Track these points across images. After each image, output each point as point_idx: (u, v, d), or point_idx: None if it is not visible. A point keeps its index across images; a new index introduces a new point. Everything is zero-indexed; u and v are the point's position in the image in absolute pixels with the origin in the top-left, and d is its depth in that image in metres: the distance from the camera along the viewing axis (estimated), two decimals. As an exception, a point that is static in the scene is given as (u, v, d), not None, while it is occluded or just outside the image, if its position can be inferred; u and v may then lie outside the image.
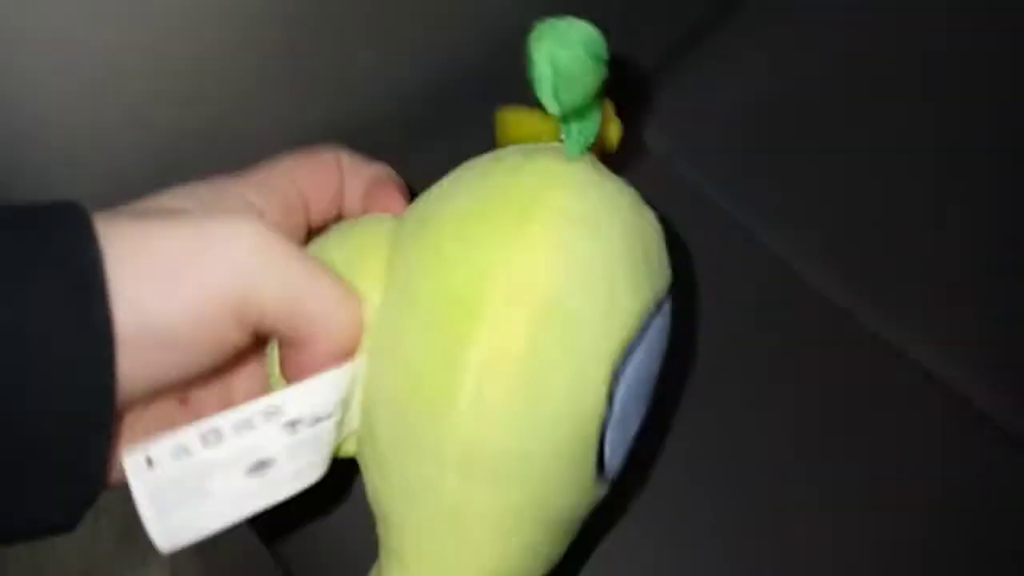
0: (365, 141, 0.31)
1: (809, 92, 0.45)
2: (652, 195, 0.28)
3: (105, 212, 0.22)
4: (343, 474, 0.29)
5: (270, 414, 0.23)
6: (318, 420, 0.24)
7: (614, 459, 0.25)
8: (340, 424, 0.25)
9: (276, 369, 0.25)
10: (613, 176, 0.26)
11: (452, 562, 0.23)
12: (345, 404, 0.25)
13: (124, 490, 0.24)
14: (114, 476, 0.23)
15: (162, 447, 0.22)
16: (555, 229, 0.22)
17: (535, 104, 0.23)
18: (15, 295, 0.19)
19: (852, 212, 0.43)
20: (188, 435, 0.23)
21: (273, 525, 0.38)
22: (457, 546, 0.23)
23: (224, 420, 0.23)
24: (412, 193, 0.28)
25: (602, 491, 0.26)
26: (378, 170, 0.30)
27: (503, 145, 0.27)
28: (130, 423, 0.25)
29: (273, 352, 0.26)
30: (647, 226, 0.25)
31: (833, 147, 0.44)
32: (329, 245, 0.26)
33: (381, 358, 0.24)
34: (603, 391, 0.23)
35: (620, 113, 0.29)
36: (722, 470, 0.36)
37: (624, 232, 0.24)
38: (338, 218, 0.30)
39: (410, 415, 0.23)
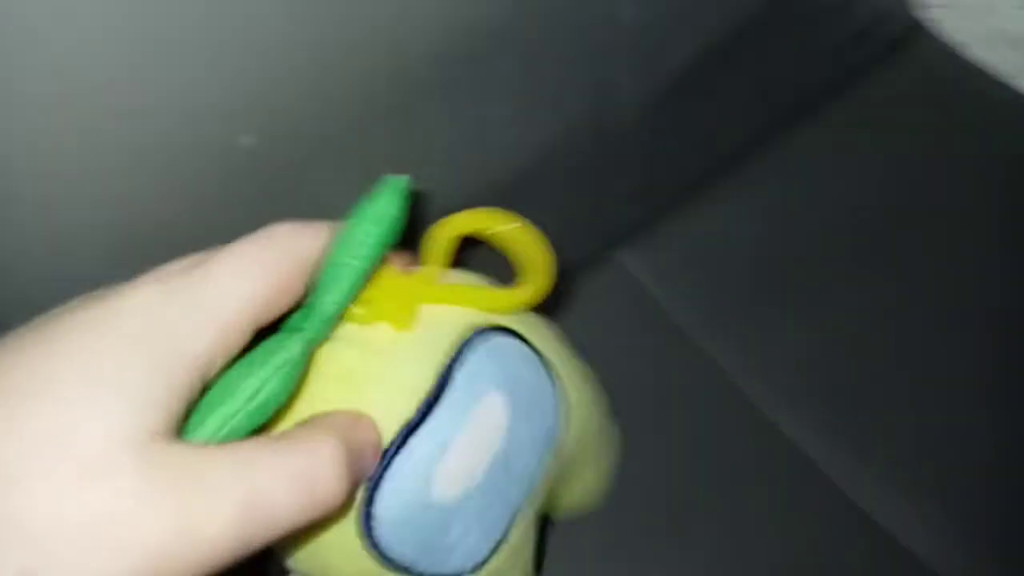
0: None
1: (802, 247, 0.47)
2: (629, 322, 0.29)
3: None
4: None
5: None
6: None
7: (405, 549, 0.25)
8: None
9: None
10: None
11: None
12: None
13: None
14: None
15: None
16: None
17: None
18: None
19: (832, 366, 0.44)
20: None
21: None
22: None
23: None
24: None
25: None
26: None
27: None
28: None
29: None
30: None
31: (820, 301, 0.45)
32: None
33: None
34: None
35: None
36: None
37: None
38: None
39: None
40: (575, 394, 0.30)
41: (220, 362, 0.20)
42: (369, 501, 0.24)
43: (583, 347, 0.32)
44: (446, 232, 0.26)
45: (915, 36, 0.54)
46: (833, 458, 0.41)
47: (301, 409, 0.24)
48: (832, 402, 0.42)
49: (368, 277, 0.24)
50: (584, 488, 0.35)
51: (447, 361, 0.25)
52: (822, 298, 0.45)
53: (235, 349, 0.21)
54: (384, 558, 0.24)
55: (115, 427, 0.17)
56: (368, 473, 0.23)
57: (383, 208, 0.23)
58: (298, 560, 0.26)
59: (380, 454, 0.23)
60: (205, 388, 0.21)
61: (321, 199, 0.29)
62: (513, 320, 0.27)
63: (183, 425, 0.20)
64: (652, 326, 0.44)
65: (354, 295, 0.24)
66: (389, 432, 0.24)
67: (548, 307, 0.28)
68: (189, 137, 0.26)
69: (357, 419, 0.23)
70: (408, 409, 0.24)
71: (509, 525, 0.27)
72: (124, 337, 0.18)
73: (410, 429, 0.24)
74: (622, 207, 0.46)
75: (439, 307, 0.26)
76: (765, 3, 0.42)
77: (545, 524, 0.29)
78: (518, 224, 0.26)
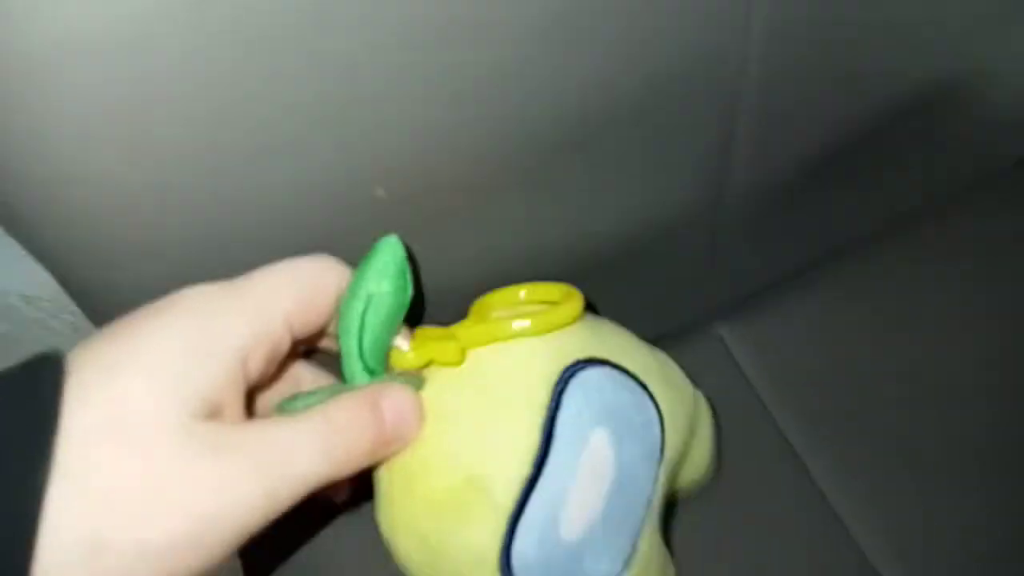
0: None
1: (911, 361, 0.46)
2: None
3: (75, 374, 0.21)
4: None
5: None
6: None
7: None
8: None
9: None
10: None
11: None
12: None
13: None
14: None
15: None
16: None
17: None
18: None
19: (927, 517, 0.42)
20: None
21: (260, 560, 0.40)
22: None
23: None
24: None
25: None
26: None
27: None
28: None
29: None
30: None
31: (922, 434, 0.44)
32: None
33: None
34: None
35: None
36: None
37: None
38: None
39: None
40: (665, 389, 0.30)
41: (259, 358, 0.24)
42: (506, 557, 0.26)
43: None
44: (503, 298, 0.29)
45: None
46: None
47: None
48: (907, 533, 0.41)
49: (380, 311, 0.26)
50: (695, 468, 0.35)
51: (547, 413, 0.26)
52: (913, 420, 0.43)
53: (274, 348, 0.24)
54: None
55: (162, 407, 0.21)
56: (405, 440, 0.26)
57: (387, 249, 0.26)
58: None
59: (419, 419, 0.26)
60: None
61: (434, 259, 0.32)
62: (586, 341, 0.28)
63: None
64: (740, 402, 0.44)
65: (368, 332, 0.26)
66: (508, 491, 0.26)
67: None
68: (329, 182, 0.28)
69: (387, 388, 0.26)
70: (523, 468, 0.26)
71: (636, 539, 0.29)
72: (176, 331, 0.22)
73: (529, 486, 0.26)
74: (729, 284, 0.46)
75: (515, 351, 0.27)
76: (904, 100, 0.42)
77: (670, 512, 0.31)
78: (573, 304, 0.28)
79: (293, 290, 0.25)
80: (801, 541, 0.41)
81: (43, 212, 0.26)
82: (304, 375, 0.29)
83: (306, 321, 0.25)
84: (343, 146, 0.27)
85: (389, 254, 0.26)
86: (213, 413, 0.22)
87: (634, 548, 0.29)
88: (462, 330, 0.28)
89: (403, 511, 0.27)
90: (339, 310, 0.26)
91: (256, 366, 0.24)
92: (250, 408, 0.25)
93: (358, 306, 0.25)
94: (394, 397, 0.26)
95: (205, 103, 0.24)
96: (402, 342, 0.27)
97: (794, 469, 0.43)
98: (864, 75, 0.39)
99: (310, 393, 0.26)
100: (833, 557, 0.41)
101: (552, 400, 0.26)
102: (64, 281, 0.29)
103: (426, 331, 0.28)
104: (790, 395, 0.45)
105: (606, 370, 0.28)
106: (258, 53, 0.24)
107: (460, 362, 0.27)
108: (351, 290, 0.26)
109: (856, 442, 0.43)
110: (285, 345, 0.25)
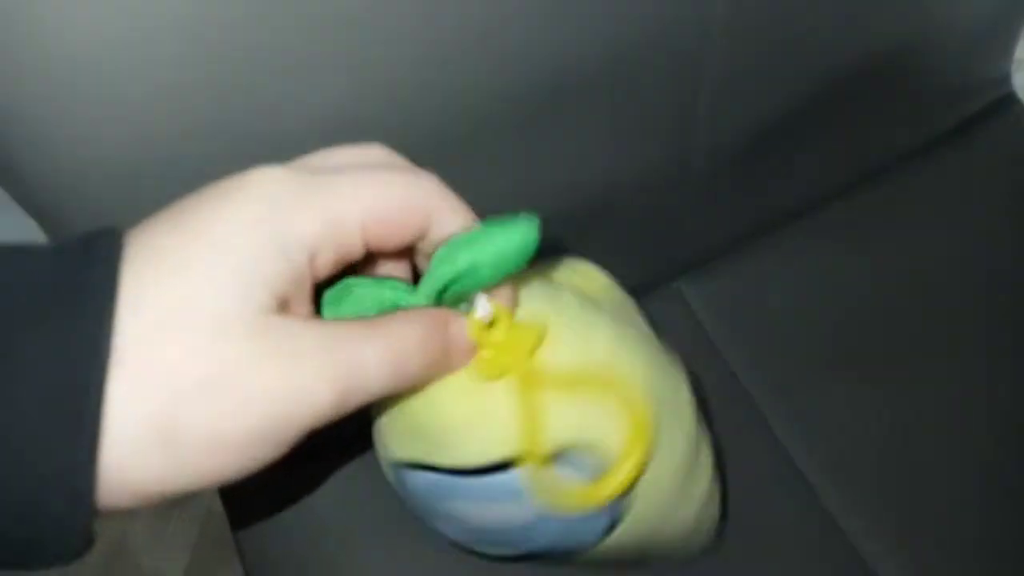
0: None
1: (862, 312, 0.47)
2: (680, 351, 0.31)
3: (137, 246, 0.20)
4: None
5: None
6: None
7: None
8: None
9: None
10: None
11: None
12: None
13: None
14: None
15: None
16: None
17: None
18: None
19: (882, 448, 0.44)
20: None
21: (244, 511, 0.42)
22: None
23: None
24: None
25: None
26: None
27: None
28: None
29: None
30: None
31: (874, 377, 0.45)
32: None
33: None
34: None
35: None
36: None
37: None
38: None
39: None
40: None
41: (328, 259, 0.22)
42: (400, 473, 0.28)
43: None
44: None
45: (1007, 107, 0.54)
46: (870, 534, 0.42)
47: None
48: (877, 484, 0.43)
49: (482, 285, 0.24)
50: None
51: None
52: (877, 374, 0.45)
53: (345, 250, 0.22)
54: (407, 492, 0.29)
55: (226, 301, 0.20)
56: (449, 366, 0.25)
57: (521, 238, 0.23)
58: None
59: (472, 353, 0.25)
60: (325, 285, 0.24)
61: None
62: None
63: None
64: (703, 359, 0.46)
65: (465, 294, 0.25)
66: (437, 453, 0.27)
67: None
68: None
69: (447, 318, 0.24)
70: (459, 458, 0.27)
71: (494, 550, 0.31)
72: (243, 221, 0.21)
73: (458, 470, 0.27)
74: (691, 242, 0.48)
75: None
76: (854, 65, 0.43)
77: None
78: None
79: (376, 199, 0.22)
80: (759, 489, 0.43)
81: (35, 159, 0.26)
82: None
83: (384, 235, 0.23)
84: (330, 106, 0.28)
85: (521, 237, 0.23)
86: (282, 307, 0.21)
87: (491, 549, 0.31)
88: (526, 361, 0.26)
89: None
90: (441, 247, 0.24)
91: (324, 267, 0.22)
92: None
93: (454, 268, 0.24)
94: (461, 323, 0.25)
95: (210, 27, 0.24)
96: (484, 305, 0.25)
97: (753, 418, 0.45)
98: (818, 41, 0.40)
99: (361, 286, 0.25)
100: (787, 499, 0.43)
101: None
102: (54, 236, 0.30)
103: (510, 322, 0.26)
104: (748, 347, 0.46)
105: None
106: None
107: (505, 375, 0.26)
108: (461, 245, 0.23)
109: (812, 392, 0.45)
110: (357, 252, 0.23)
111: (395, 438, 0.28)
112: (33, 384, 0.18)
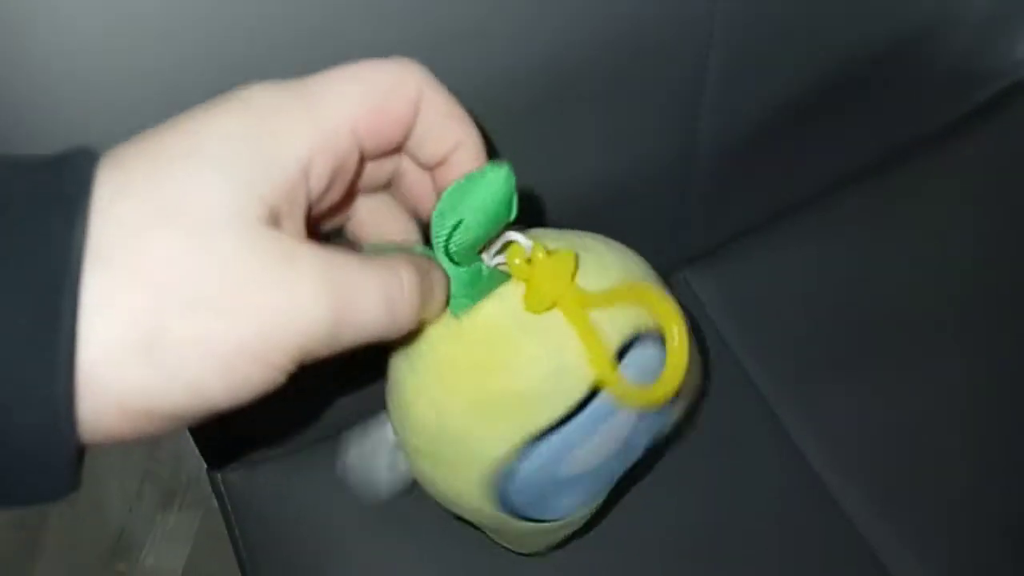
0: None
1: (872, 303, 0.46)
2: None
3: (119, 168, 0.19)
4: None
5: None
6: None
7: (520, 500, 0.29)
8: None
9: None
10: None
11: None
12: None
13: (175, 459, 0.27)
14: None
15: None
16: None
17: None
18: None
19: (889, 440, 0.43)
20: None
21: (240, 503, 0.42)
22: None
23: None
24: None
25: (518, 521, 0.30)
26: (468, 133, 0.25)
27: None
28: None
29: None
30: None
31: (882, 366, 0.45)
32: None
33: None
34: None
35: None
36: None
37: None
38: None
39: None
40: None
41: (322, 170, 0.21)
42: (507, 467, 0.27)
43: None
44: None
45: (1017, 96, 0.53)
46: (883, 530, 0.41)
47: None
48: (883, 478, 0.42)
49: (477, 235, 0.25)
50: None
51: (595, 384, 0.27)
52: (889, 366, 0.44)
53: (341, 162, 0.22)
54: (502, 506, 0.29)
55: (216, 204, 0.19)
56: (434, 313, 0.25)
57: (487, 195, 0.24)
58: (425, 482, 0.30)
59: (445, 304, 0.26)
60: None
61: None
62: (640, 316, 0.28)
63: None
64: (710, 349, 0.45)
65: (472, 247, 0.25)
66: (544, 420, 0.27)
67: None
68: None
69: (431, 264, 0.24)
70: (562, 409, 0.27)
71: (609, 488, 0.32)
72: (232, 133, 0.20)
73: (558, 425, 0.27)
74: (698, 231, 0.47)
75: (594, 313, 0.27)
76: (867, 50, 0.43)
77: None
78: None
79: (363, 96, 0.22)
80: (766, 480, 0.42)
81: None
82: (391, 213, 0.28)
83: (378, 131, 0.22)
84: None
85: (489, 189, 0.24)
86: (273, 222, 0.20)
87: (600, 500, 0.32)
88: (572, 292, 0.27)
89: (436, 387, 0.27)
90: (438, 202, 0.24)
91: (319, 180, 0.21)
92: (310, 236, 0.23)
93: (448, 223, 0.24)
94: (439, 271, 0.25)
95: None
96: (522, 239, 0.26)
97: (761, 411, 0.44)
98: (826, 27, 0.40)
99: (377, 245, 0.25)
100: (798, 493, 0.42)
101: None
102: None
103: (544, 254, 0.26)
104: (754, 336, 0.46)
105: (655, 348, 0.28)
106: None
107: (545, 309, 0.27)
108: (445, 203, 0.24)
109: (822, 385, 0.44)
110: (353, 160, 0.22)
111: (488, 435, 0.27)
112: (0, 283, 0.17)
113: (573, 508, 0.31)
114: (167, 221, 0.18)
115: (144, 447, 0.89)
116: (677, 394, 0.26)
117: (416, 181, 0.27)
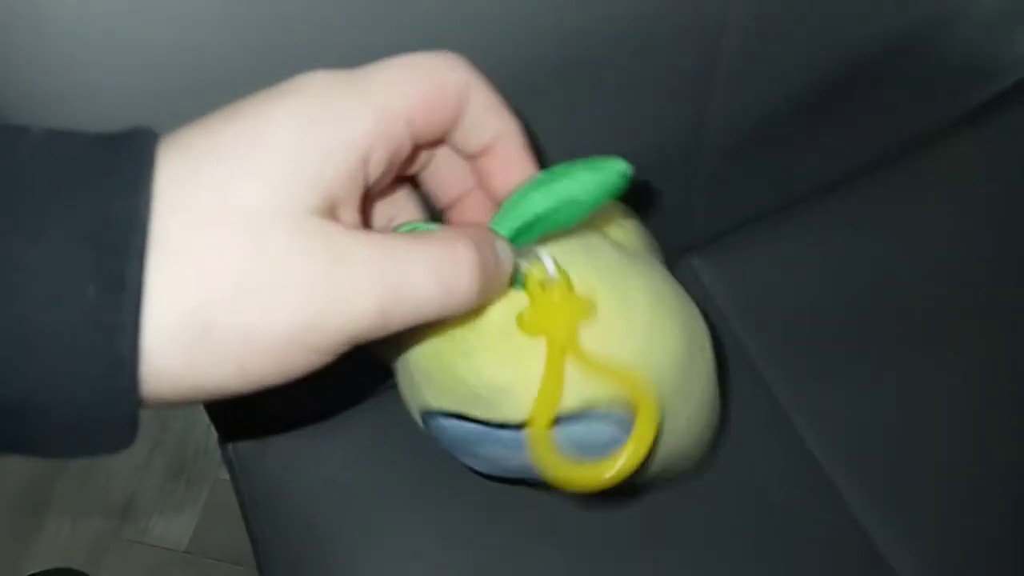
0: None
1: (878, 297, 0.46)
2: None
3: (178, 149, 0.20)
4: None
5: None
6: None
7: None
8: None
9: None
10: None
11: None
12: None
13: (183, 431, 0.27)
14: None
15: None
16: None
17: None
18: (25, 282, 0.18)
19: (891, 434, 0.43)
20: None
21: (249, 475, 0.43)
22: None
23: None
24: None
25: None
26: (509, 124, 0.25)
27: None
28: None
29: None
30: None
31: (887, 363, 0.45)
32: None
33: None
34: None
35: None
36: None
37: None
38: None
39: None
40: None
41: (381, 157, 0.22)
42: (435, 420, 0.29)
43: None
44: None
45: (1021, 93, 0.53)
46: (886, 524, 0.42)
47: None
48: (894, 472, 0.42)
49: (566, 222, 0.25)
50: None
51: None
52: (895, 357, 0.44)
53: (396, 150, 0.22)
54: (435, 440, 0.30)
55: (270, 194, 0.19)
56: (495, 290, 0.24)
57: (610, 179, 0.24)
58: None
59: (509, 280, 0.25)
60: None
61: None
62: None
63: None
64: (717, 337, 0.46)
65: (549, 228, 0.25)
66: (470, 408, 0.27)
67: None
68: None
69: (493, 238, 0.24)
70: (487, 414, 0.27)
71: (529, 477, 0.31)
72: (291, 115, 0.20)
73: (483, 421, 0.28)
74: (706, 219, 0.47)
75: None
76: (878, 41, 0.43)
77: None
78: None
79: (416, 86, 0.22)
80: (771, 470, 0.43)
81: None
82: (407, 204, 0.28)
83: (429, 121, 0.23)
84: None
85: (609, 179, 0.24)
86: (329, 212, 0.21)
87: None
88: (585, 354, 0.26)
89: (429, 328, 0.27)
90: (515, 192, 0.24)
91: (377, 167, 0.22)
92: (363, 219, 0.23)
93: (545, 204, 0.24)
94: (504, 243, 0.24)
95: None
96: (551, 265, 0.26)
97: (765, 399, 0.44)
98: (839, 18, 0.40)
99: (418, 225, 0.25)
100: (800, 483, 0.43)
101: None
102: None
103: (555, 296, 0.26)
104: (761, 325, 0.46)
105: (608, 428, 0.28)
106: None
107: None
108: (548, 179, 0.24)
109: (827, 374, 0.45)
110: (406, 148, 0.23)
111: (431, 388, 0.28)
112: (69, 257, 0.18)
113: (483, 470, 0.32)
114: (227, 217, 0.19)
115: (154, 419, 0.90)
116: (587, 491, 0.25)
117: (446, 168, 0.27)
